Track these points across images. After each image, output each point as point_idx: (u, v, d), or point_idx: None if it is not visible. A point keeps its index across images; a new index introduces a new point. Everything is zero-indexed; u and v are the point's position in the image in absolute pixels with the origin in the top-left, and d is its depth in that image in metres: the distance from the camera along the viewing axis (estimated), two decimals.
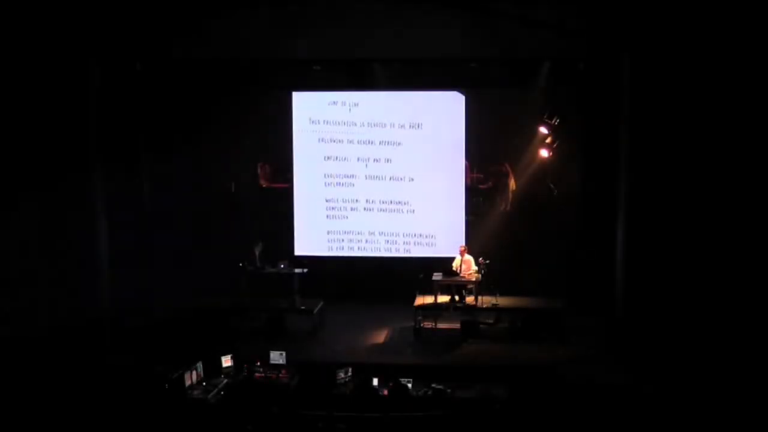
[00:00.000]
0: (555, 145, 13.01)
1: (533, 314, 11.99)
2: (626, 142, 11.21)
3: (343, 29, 11.22)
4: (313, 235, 14.15)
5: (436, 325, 11.92)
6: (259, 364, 10.14)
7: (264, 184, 14.38)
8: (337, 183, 14.04)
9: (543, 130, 13.03)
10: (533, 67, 12.80)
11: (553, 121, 12.82)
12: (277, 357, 10.20)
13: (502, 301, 12.15)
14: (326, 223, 14.12)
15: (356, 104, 13.88)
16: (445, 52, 11.62)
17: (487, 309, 12.02)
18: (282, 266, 12.66)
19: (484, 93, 13.49)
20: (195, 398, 9.47)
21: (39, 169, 10.80)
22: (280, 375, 10.01)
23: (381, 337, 11.96)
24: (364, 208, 14.02)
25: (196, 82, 12.93)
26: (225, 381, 9.97)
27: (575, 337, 11.67)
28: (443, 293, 12.16)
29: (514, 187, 13.72)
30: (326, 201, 14.08)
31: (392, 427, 8.36)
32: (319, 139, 14.00)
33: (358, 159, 13.95)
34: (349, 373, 10.03)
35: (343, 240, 14.12)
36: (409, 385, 9.63)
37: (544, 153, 13.20)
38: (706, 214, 10.16)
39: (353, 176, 13.98)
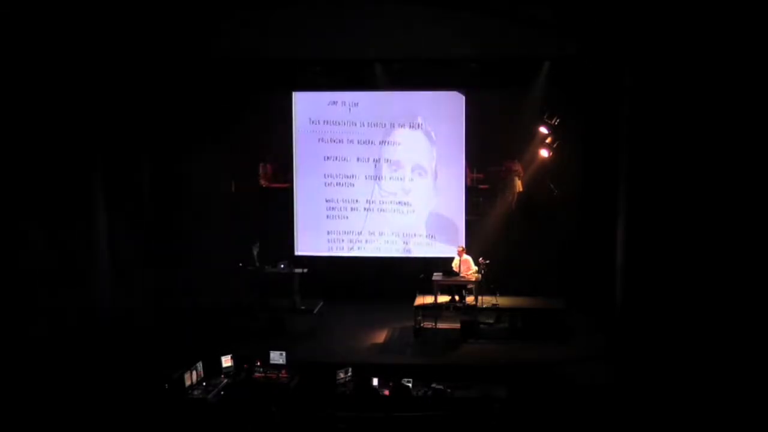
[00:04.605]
0: (555, 145, 13.00)
1: (533, 314, 11.99)
2: (626, 142, 11.20)
3: (343, 29, 11.23)
4: (313, 235, 14.15)
5: (436, 325, 11.90)
6: (259, 364, 10.15)
7: (264, 184, 14.36)
8: (337, 183, 14.04)
9: (543, 130, 13.02)
10: (533, 67, 12.79)
11: (553, 121, 12.82)
12: (277, 357, 10.20)
13: (502, 301, 12.15)
14: (326, 223, 14.12)
15: (356, 104, 13.88)
16: (445, 52, 11.63)
17: (487, 309, 12.02)
18: (282, 266, 12.64)
19: (484, 93, 13.47)
20: (195, 398, 9.47)
21: (40, 169, 10.79)
22: (280, 375, 10.02)
23: (381, 337, 11.95)
24: (364, 208, 14.01)
25: (196, 83, 12.91)
26: (225, 381, 9.97)
27: (575, 337, 11.68)
28: (443, 293, 12.16)
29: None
30: (326, 201, 14.08)
31: (392, 427, 8.37)
32: (319, 139, 13.99)
33: (358, 159, 13.94)
34: (349, 373, 10.03)
35: (343, 240, 14.12)
36: (409, 386, 9.63)
37: (544, 153, 13.19)
38: (705, 214, 10.15)
39: (353, 176, 13.98)
